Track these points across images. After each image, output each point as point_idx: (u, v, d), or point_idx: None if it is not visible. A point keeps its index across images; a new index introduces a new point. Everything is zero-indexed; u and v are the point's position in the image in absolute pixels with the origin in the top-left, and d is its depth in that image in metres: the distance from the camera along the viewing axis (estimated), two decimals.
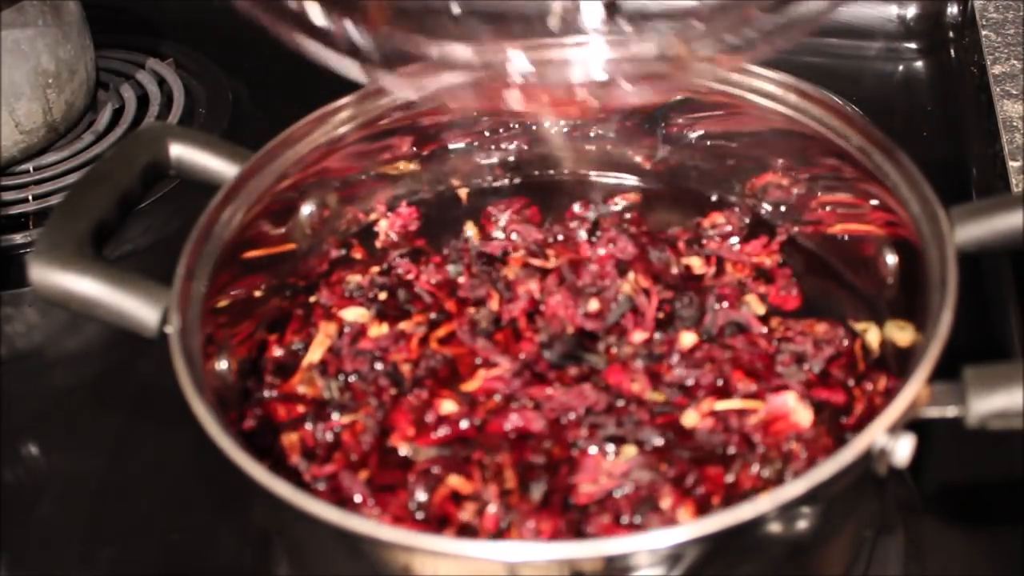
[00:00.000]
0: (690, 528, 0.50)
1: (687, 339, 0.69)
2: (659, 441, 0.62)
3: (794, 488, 0.51)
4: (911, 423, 0.55)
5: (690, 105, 0.77)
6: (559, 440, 0.63)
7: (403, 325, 0.72)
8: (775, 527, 0.53)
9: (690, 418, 0.64)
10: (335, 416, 0.66)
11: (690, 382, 0.67)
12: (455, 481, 0.61)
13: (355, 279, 0.75)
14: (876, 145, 0.68)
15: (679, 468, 0.61)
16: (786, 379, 0.66)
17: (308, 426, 0.66)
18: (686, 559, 0.52)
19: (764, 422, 0.64)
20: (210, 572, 0.71)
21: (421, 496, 0.61)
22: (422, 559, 0.53)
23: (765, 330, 0.70)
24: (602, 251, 0.76)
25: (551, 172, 0.82)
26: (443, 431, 0.65)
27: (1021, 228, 0.62)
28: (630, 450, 0.62)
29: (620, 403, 0.66)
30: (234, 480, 0.55)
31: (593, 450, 0.62)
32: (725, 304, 0.71)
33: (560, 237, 0.78)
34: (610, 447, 0.62)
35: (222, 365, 0.66)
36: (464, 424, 0.65)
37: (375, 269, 0.76)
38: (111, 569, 0.71)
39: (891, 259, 0.68)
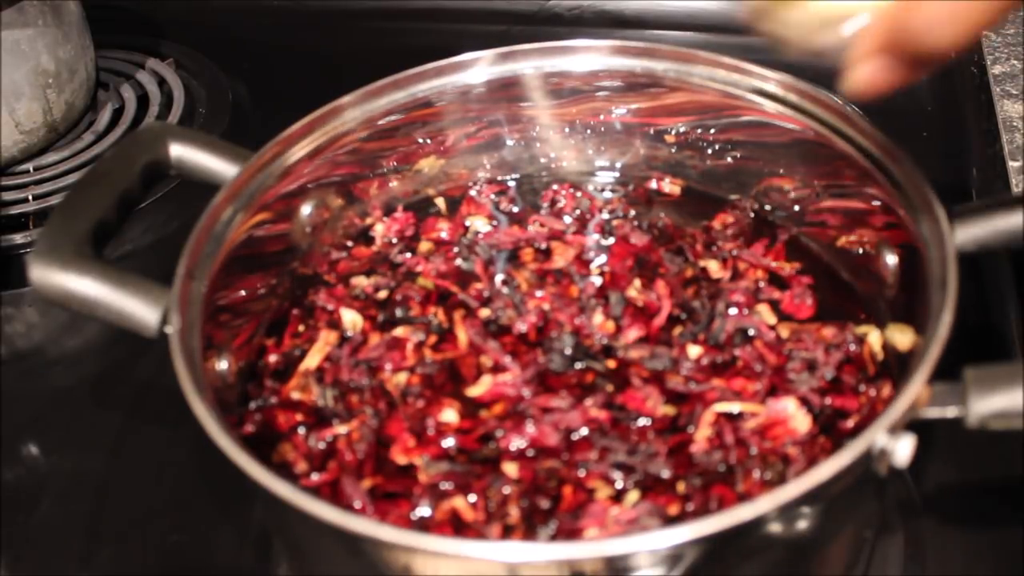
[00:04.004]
0: (690, 528, 0.50)
1: (693, 351, 0.68)
2: (667, 473, 0.61)
3: (794, 488, 0.51)
4: (912, 423, 0.55)
5: (691, 106, 0.77)
6: (569, 461, 0.62)
7: (399, 331, 0.71)
8: (775, 528, 0.53)
9: (702, 434, 0.63)
10: (333, 423, 0.66)
11: (699, 389, 0.66)
12: (460, 503, 0.60)
13: (361, 283, 0.75)
14: (876, 145, 0.68)
15: (691, 502, 0.60)
16: (797, 386, 0.65)
17: (301, 432, 0.66)
18: (686, 559, 0.52)
19: (762, 427, 0.63)
20: (210, 572, 0.71)
21: (424, 511, 0.60)
22: (422, 559, 0.53)
23: (774, 336, 0.69)
24: (611, 240, 0.76)
25: (548, 174, 0.82)
26: (449, 442, 0.64)
27: (1021, 228, 0.62)
28: (633, 495, 0.60)
29: (631, 422, 0.64)
30: (234, 480, 0.55)
31: (600, 489, 0.61)
32: (734, 311, 0.70)
33: (559, 226, 0.78)
34: (617, 474, 0.61)
35: (222, 365, 0.66)
36: (471, 435, 0.64)
37: (377, 274, 0.76)
38: (111, 569, 0.71)
39: (891, 259, 0.68)
